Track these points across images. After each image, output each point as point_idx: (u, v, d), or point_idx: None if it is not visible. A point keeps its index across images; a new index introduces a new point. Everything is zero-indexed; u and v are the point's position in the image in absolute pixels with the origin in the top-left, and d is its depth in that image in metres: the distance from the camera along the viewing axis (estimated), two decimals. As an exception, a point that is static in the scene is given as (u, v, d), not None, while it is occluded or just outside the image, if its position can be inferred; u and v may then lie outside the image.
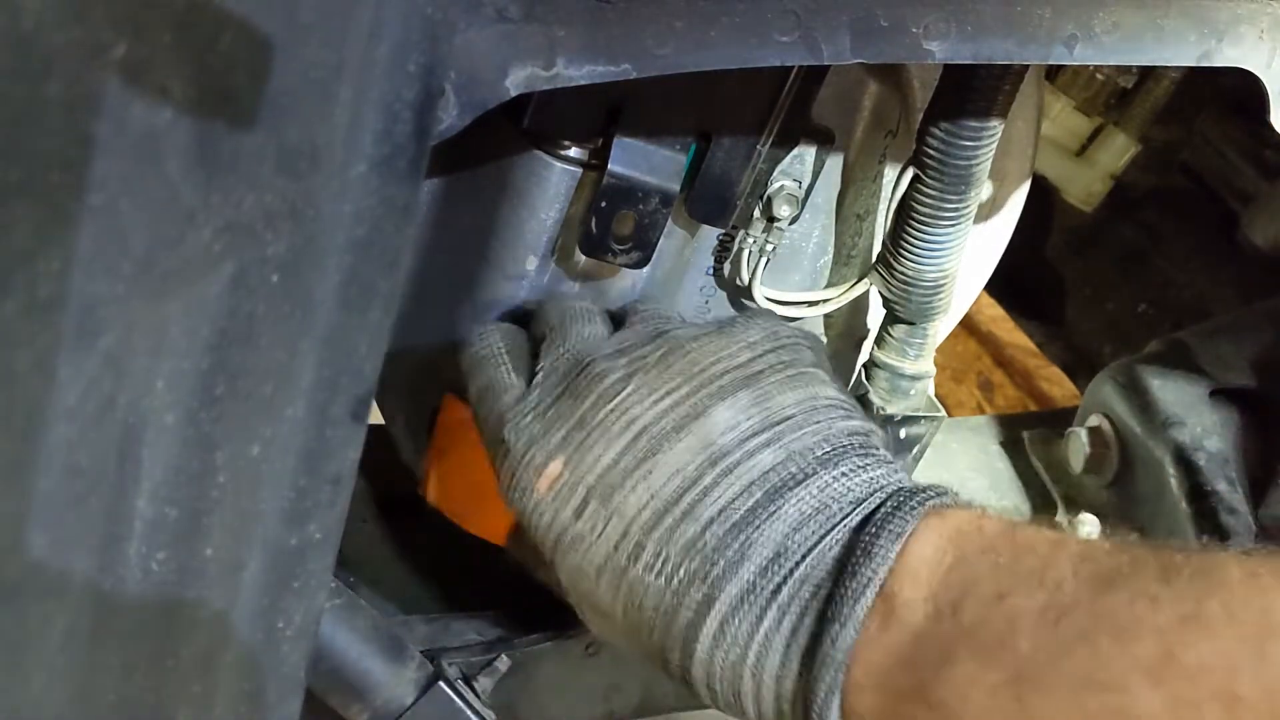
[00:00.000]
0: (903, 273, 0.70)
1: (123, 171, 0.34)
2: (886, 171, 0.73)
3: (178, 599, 0.43)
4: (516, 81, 0.47)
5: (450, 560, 0.78)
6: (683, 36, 0.49)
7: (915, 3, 0.52)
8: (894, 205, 0.68)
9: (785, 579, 0.51)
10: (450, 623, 0.73)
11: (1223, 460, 0.87)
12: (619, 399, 0.56)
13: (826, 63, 0.52)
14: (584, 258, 0.65)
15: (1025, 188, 0.81)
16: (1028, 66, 0.64)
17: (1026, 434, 1.01)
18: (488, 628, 0.72)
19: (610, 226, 0.62)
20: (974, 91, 0.63)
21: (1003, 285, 1.01)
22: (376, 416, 0.66)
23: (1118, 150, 0.91)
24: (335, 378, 0.44)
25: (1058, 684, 0.44)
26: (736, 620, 0.51)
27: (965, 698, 0.46)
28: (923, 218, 0.68)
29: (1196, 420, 0.88)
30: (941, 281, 0.71)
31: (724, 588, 0.52)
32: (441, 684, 0.65)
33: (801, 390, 0.57)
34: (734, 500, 0.53)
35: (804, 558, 0.51)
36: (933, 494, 0.52)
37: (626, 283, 0.68)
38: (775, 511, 0.52)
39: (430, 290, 0.68)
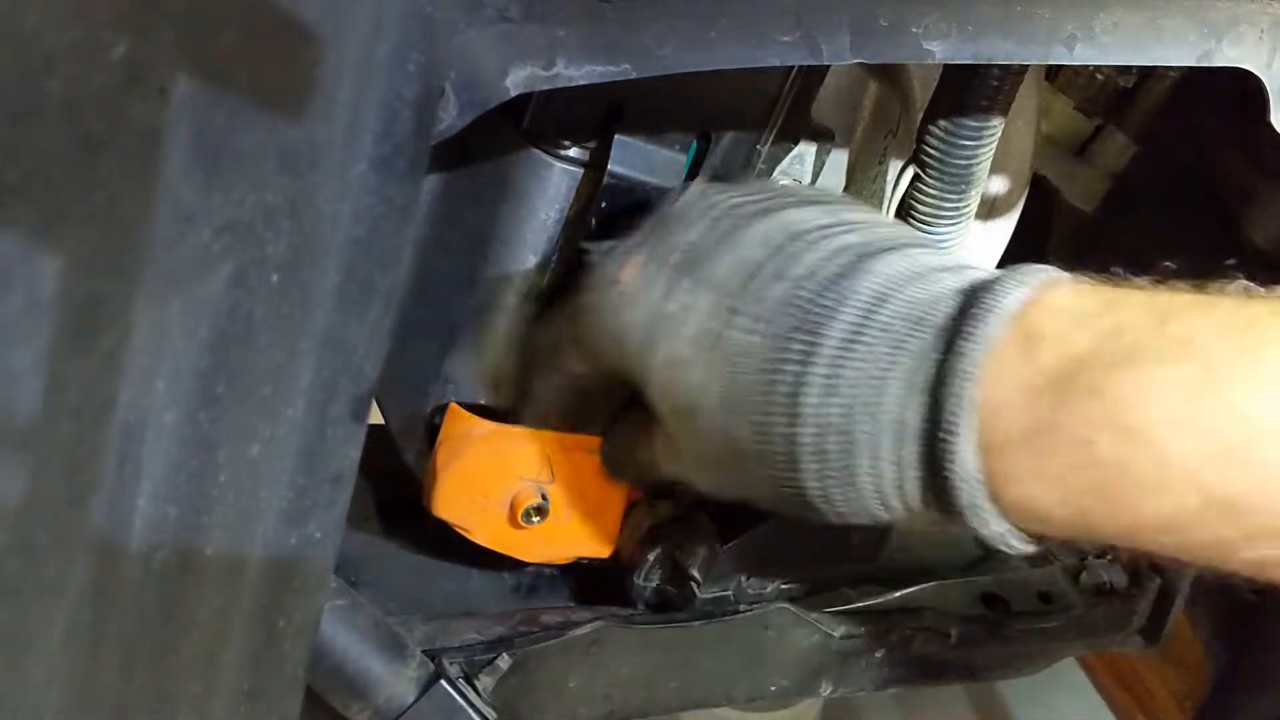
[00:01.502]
0: None
1: (123, 171, 0.34)
2: (889, 171, 0.73)
3: (177, 598, 0.43)
4: (516, 81, 0.47)
5: (450, 560, 0.78)
6: (683, 36, 0.49)
7: (915, 3, 0.52)
8: (894, 204, 0.68)
9: (894, 317, 0.49)
10: (450, 622, 0.72)
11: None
12: (695, 200, 0.57)
13: (826, 63, 0.52)
14: (583, 259, 0.65)
15: (1025, 188, 0.81)
16: (1027, 66, 0.64)
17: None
18: (488, 627, 0.72)
19: (610, 226, 0.62)
20: (974, 91, 0.63)
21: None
22: (376, 416, 0.66)
23: (1118, 150, 0.91)
24: (335, 378, 0.44)
25: (1261, 375, 0.41)
26: (845, 361, 0.49)
27: (1148, 398, 0.42)
28: (923, 216, 0.68)
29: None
30: None
31: (828, 331, 0.49)
32: (443, 682, 0.65)
33: (870, 212, 0.58)
34: (823, 262, 0.51)
35: (913, 301, 0.49)
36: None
37: (627, 282, 0.68)
38: (868, 268, 0.50)
39: (430, 290, 0.68)
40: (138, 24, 0.32)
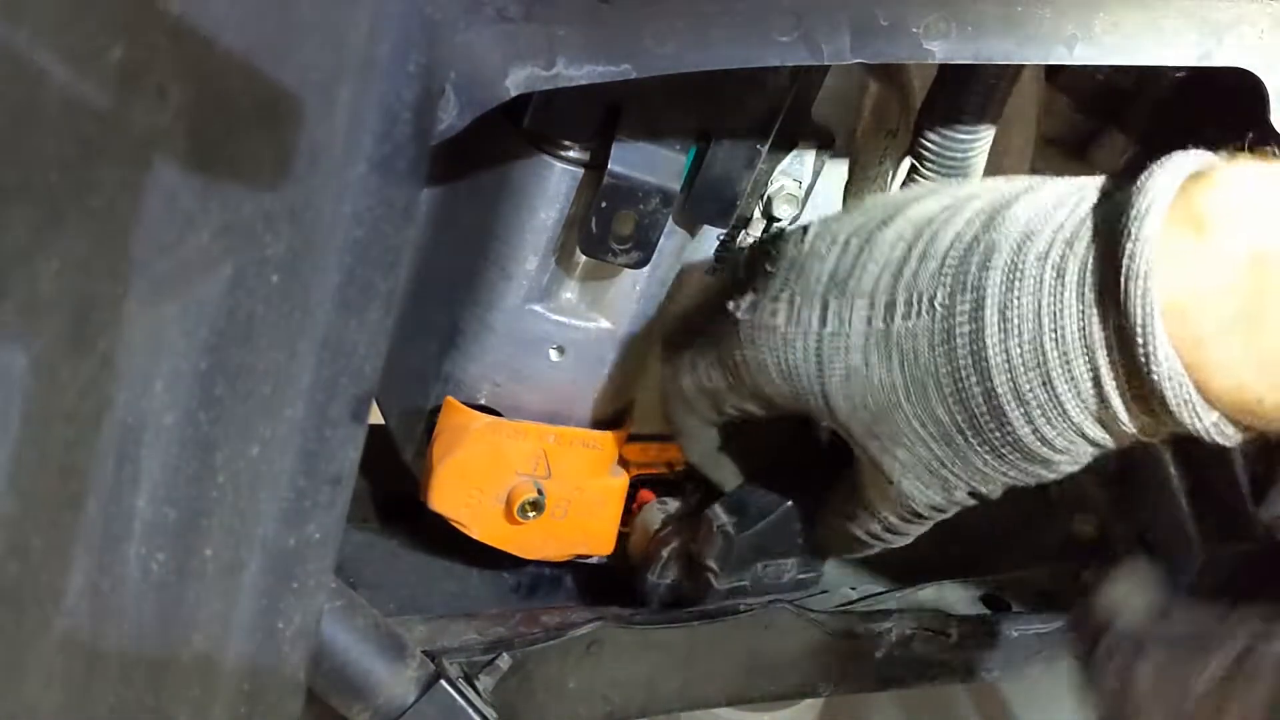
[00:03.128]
0: None
1: (121, 173, 0.33)
2: (889, 171, 0.73)
3: (177, 599, 0.43)
4: (516, 81, 0.47)
5: (450, 560, 0.78)
6: (683, 36, 0.49)
7: (915, 3, 0.52)
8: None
9: (1048, 245, 0.49)
10: (450, 622, 0.72)
11: (1223, 460, 0.87)
12: (820, 233, 0.58)
13: (826, 63, 0.52)
14: (584, 258, 0.65)
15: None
16: (1018, 73, 0.64)
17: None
18: (488, 627, 0.72)
19: (610, 226, 0.62)
20: (970, 87, 0.64)
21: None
22: (376, 416, 0.66)
23: (1118, 150, 0.90)
24: (335, 378, 0.44)
25: None
26: (1014, 299, 0.49)
27: None
28: None
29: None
30: None
31: (988, 279, 0.50)
32: (443, 683, 0.65)
33: (976, 184, 0.58)
34: (961, 231, 0.52)
35: (1060, 226, 0.49)
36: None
37: (627, 283, 0.68)
38: (1004, 216, 0.51)
39: (430, 290, 0.68)
40: (135, 27, 0.32)
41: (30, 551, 0.36)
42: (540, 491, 0.69)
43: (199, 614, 0.44)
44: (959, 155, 0.65)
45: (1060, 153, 0.92)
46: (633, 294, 0.68)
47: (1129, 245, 0.46)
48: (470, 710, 0.65)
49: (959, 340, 0.51)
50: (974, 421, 0.52)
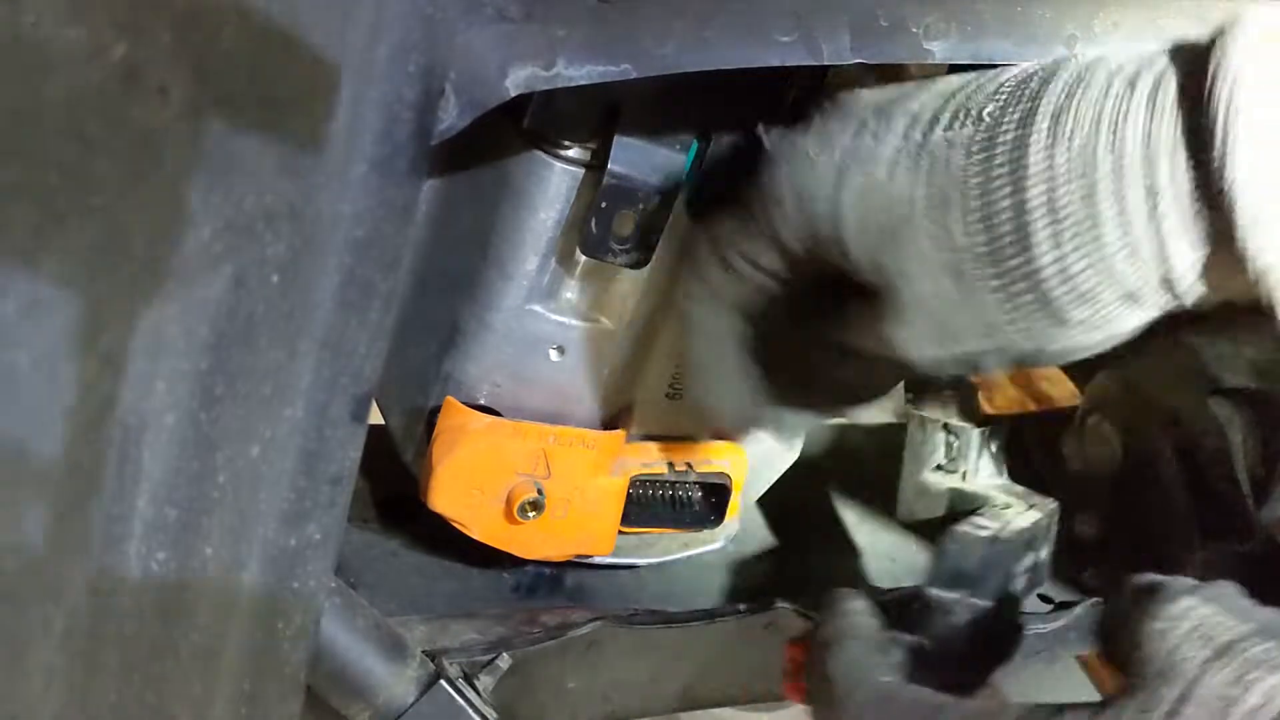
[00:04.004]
0: None
1: (123, 171, 0.34)
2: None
3: (177, 599, 0.43)
4: (516, 81, 0.47)
5: (450, 560, 0.78)
6: (682, 36, 0.49)
7: (915, 3, 0.52)
8: None
9: (1120, 61, 0.46)
10: (450, 622, 0.72)
11: (1223, 460, 0.87)
12: (856, 97, 0.54)
13: (826, 63, 0.52)
14: (584, 258, 0.65)
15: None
16: None
17: (1026, 434, 1.01)
18: (488, 627, 0.72)
19: (610, 226, 0.62)
20: None
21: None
22: (376, 416, 0.66)
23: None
24: (335, 378, 0.44)
25: None
26: (1073, 104, 0.46)
27: None
28: None
29: (1197, 420, 0.88)
30: None
31: (1046, 90, 0.46)
32: (443, 683, 0.65)
33: None
34: (1026, 70, 0.49)
35: (1132, 52, 0.46)
36: None
37: (627, 283, 0.68)
38: (1078, 58, 0.48)
39: (430, 290, 0.68)
40: (137, 24, 0.32)
41: (31, 549, 0.36)
42: (540, 491, 0.69)
43: (199, 614, 0.44)
44: None
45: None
46: (633, 294, 0.68)
47: (1219, 48, 0.43)
48: (470, 710, 0.65)
49: (1000, 147, 0.46)
50: (993, 244, 0.47)
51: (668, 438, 0.75)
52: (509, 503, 0.69)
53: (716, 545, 0.81)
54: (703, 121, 0.62)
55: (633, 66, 0.49)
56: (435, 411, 0.70)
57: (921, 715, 0.50)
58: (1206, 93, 0.43)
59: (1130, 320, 0.48)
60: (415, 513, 0.71)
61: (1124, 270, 0.46)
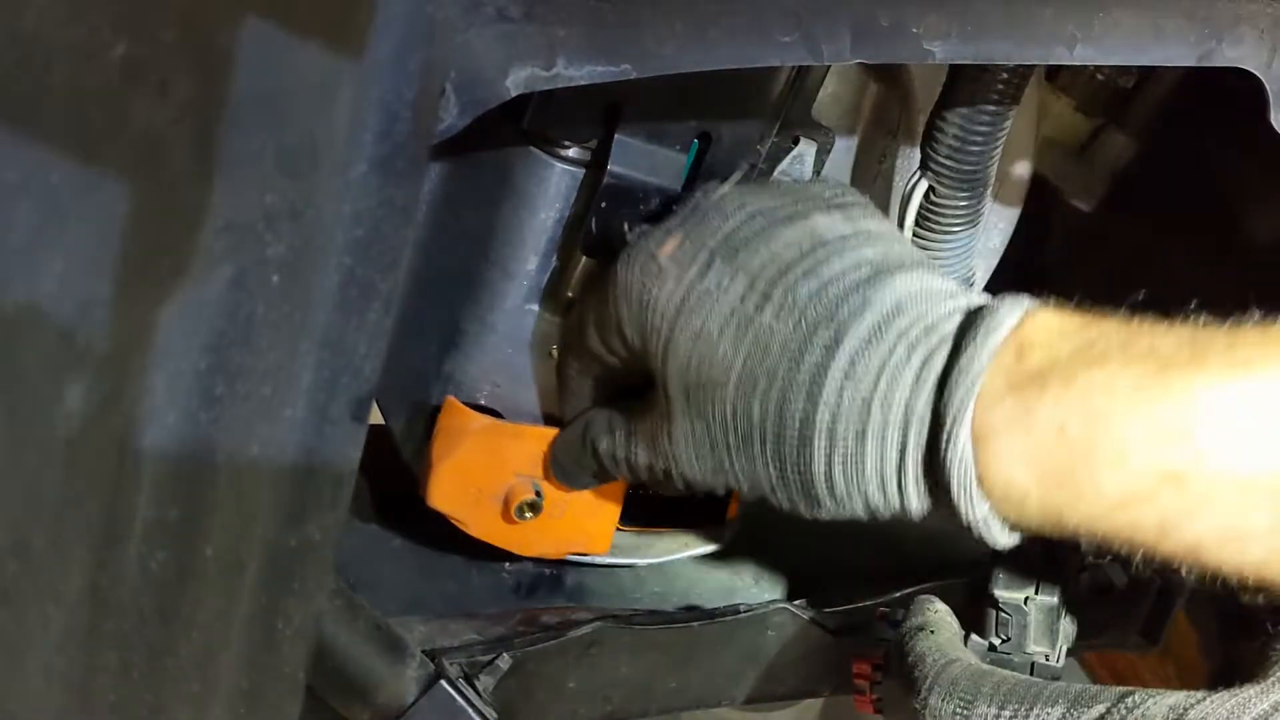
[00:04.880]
0: None
1: (122, 171, 0.33)
2: (890, 171, 0.73)
3: (177, 599, 0.43)
4: (516, 81, 0.47)
5: (450, 560, 0.78)
6: (683, 36, 0.49)
7: (915, 3, 0.52)
8: (910, 219, 0.68)
9: (911, 323, 0.55)
10: (450, 622, 0.72)
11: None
12: (731, 195, 0.61)
13: (826, 63, 0.52)
14: (584, 258, 0.65)
15: (1025, 188, 0.80)
16: (1033, 67, 0.64)
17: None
18: (488, 627, 0.72)
19: (610, 226, 0.62)
20: (981, 94, 0.63)
21: (1002, 285, 1.01)
22: (376, 416, 0.66)
23: (1118, 150, 0.90)
24: (335, 378, 0.44)
25: (1205, 371, 0.49)
26: (866, 355, 0.54)
27: (1111, 388, 0.50)
28: (937, 224, 0.68)
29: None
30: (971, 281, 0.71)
31: (852, 328, 0.55)
32: (443, 683, 0.65)
33: (883, 221, 0.63)
34: (848, 270, 0.57)
35: (926, 312, 0.55)
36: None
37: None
38: (886, 281, 0.56)
39: (430, 290, 0.68)
40: (138, 23, 0.32)
41: (31, 549, 0.36)
42: (538, 493, 0.70)
43: (198, 613, 0.44)
44: (973, 162, 0.65)
45: (1060, 153, 0.92)
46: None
47: (969, 348, 0.52)
48: (470, 710, 0.65)
49: (806, 364, 0.55)
50: (780, 436, 0.56)
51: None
52: (506, 503, 0.69)
53: (716, 545, 0.81)
54: (703, 122, 0.62)
55: (633, 66, 0.49)
56: (435, 411, 0.70)
57: (1020, 694, 0.55)
58: (949, 384, 0.52)
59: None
60: (415, 513, 0.71)
61: (874, 496, 0.55)
